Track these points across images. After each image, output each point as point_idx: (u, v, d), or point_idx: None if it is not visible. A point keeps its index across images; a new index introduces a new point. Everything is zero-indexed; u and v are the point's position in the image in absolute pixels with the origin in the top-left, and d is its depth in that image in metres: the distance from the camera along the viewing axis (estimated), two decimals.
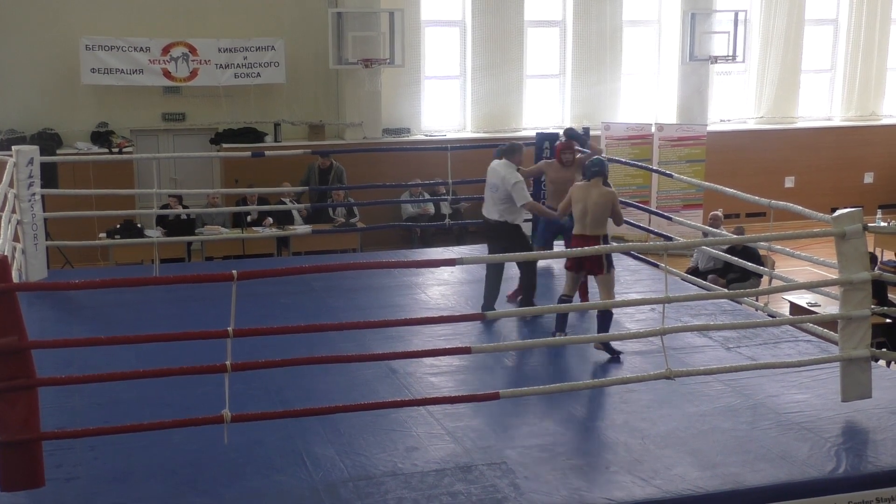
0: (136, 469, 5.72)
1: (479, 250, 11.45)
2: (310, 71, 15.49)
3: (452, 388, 7.11)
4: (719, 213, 13.00)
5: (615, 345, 7.68)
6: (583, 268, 7.77)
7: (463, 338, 7.89)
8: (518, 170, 8.55)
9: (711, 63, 16.89)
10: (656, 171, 12.81)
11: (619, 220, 7.99)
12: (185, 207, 13.05)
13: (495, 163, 8.65)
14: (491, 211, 8.60)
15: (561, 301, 7.87)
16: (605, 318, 7.69)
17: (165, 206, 12.68)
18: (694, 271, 11.63)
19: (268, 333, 5.91)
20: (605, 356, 7.64)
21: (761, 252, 10.80)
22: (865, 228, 6.55)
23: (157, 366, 5.83)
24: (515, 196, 8.40)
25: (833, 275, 6.98)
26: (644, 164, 13.39)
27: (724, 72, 17.70)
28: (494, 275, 8.66)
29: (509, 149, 8.67)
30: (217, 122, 15.20)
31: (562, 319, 7.87)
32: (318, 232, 13.02)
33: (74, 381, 5.96)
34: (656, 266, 9.55)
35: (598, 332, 7.66)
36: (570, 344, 7.76)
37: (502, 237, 8.53)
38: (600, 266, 7.66)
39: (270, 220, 13.25)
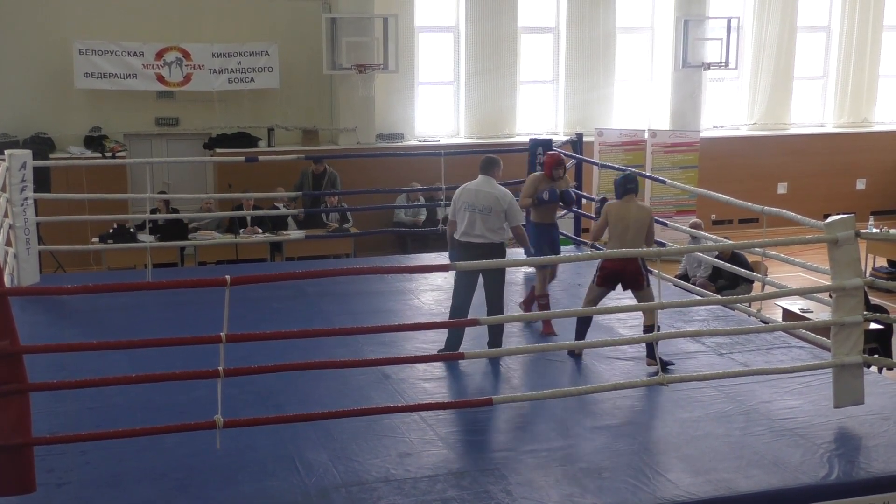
0: (127, 474, 5.71)
1: None
2: (303, 76, 15.48)
3: (445, 394, 7.12)
4: (700, 221, 13.02)
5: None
6: (621, 283, 7.53)
7: None
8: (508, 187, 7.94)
9: (704, 69, 16.91)
10: (649, 178, 12.79)
11: (652, 239, 7.71)
12: (174, 211, 13.03)
13: (476, 182, 7.79)
14: (481, 234, 7.65)
15: (646, 331, 7.44)
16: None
17: (155, 211, 12.67)
18: (683, 278, 11.64)
19: (261, 339, 5.91)
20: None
21: (754, 258, 10.82)
22: (857, 235, 6.58)
23: (150, 370, 5.82)
24: (513, 215, 7.70)
25: (825, 281, 6.99)
26: (637, 171, 13.39)
27: (717, 78, 17.73)
28: (497, 288, 7.81)
29: (490, 163, 7.85)
30: (210, 126, 15.18)
31: (651, 348, 7.44)
32: (312, 237, 13.01)
33: (66, 385, 5.95)
34: (649, 272, 9.55)
35: (647, 348, 7.51)
36: (555, 348, 7.77)
37: (495, 258, 7.63)
38: (640, 281, 7.46)
39: (259, 229, 13.24)
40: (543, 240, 8.78)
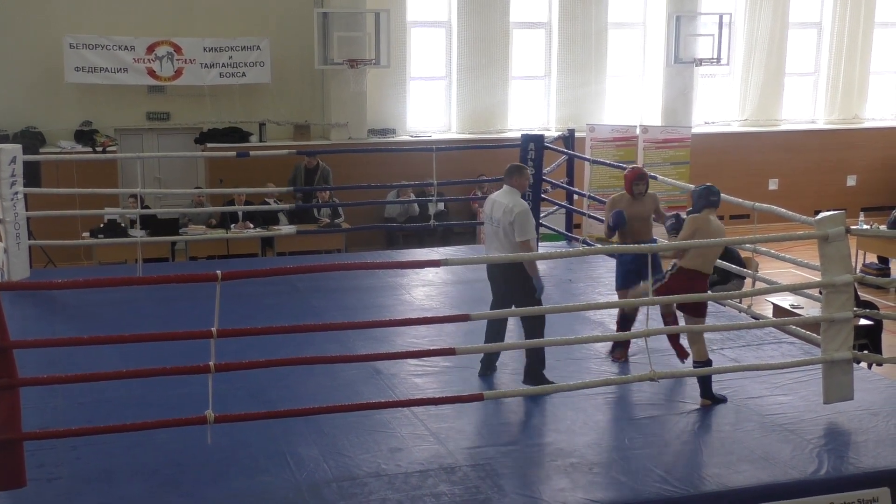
0: (118, 469, 5.70)
1: (463, 251, 11.48)
2: (295, 71, 15.45)
3: (436, 389, 7.11)
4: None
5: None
6: (681, 307, 6.99)
7: (447, 339, 7.89)
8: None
9: (696, 65, 16.95)
10: None
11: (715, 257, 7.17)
12: (146, 208, 12.94)
13: (498, 193, 7.13)
14: (498, 250, 7.02)
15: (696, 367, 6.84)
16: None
17: (146, 207, 12.63)
18: None
19: (252, 334, 5.90)
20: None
21: (745, 254, 10.84)
22: (848, 231, 6.60)
23: (141, 366, 5.82)
24: (519, 228, 6.83)
25: (816, 277, 7.01)
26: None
27: (709, 74, 17.75)
28: (497, 321, 7.28)
29: (509, 172, 7.10)
30: (202, 121, 15.14)
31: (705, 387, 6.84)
32: (303, 232, 13.00)
33: (57, 380, 5.94)
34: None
35: (700, 386, 6.81)
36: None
37: (509, 279, 6.92)
38: (702, 310, 6.92)
39: (251, 224, 13.22)
40: (627, 263, 7.73)
